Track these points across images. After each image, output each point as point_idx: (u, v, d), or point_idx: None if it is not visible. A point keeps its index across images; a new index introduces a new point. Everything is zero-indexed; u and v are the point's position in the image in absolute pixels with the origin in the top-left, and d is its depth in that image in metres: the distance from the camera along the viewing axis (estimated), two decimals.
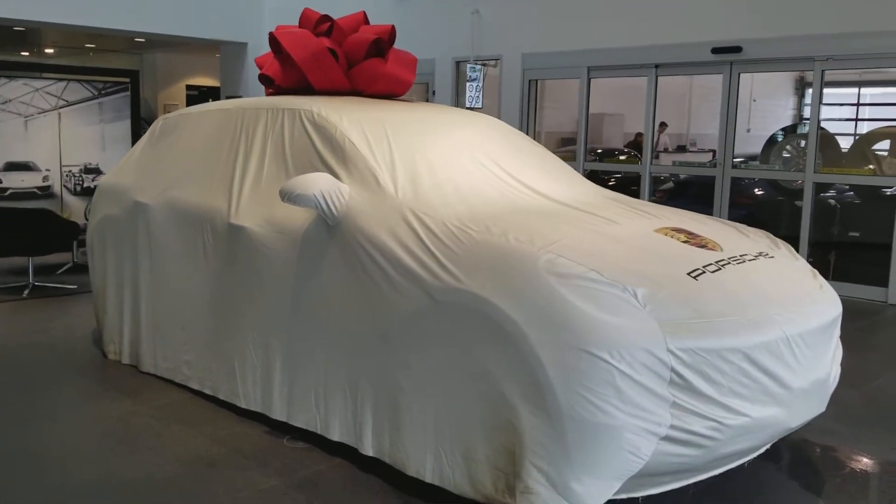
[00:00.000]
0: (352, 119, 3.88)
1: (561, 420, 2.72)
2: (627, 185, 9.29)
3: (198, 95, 14.79)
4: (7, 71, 8.27)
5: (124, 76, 8.75)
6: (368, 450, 3.36)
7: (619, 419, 2.69)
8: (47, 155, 8.26)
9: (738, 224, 3.94)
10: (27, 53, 14.31)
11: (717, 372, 2.79)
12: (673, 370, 2.72)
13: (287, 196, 3.49)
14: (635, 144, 13.22)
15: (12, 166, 8.11)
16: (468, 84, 10.07)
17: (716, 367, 2.79)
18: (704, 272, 3.07)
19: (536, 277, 2.86)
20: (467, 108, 10.23)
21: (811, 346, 3.07)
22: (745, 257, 3.32)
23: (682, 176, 9.93)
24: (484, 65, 9.97)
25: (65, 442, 3.72)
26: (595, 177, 10.25)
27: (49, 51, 13.71)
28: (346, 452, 3.50)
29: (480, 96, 10.13)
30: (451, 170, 3.72)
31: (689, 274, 3.03)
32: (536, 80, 9.74)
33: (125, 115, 8.70)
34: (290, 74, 4.38)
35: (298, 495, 3.20)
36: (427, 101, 10.53)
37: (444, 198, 3.48)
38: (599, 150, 12.90)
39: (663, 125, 14.04)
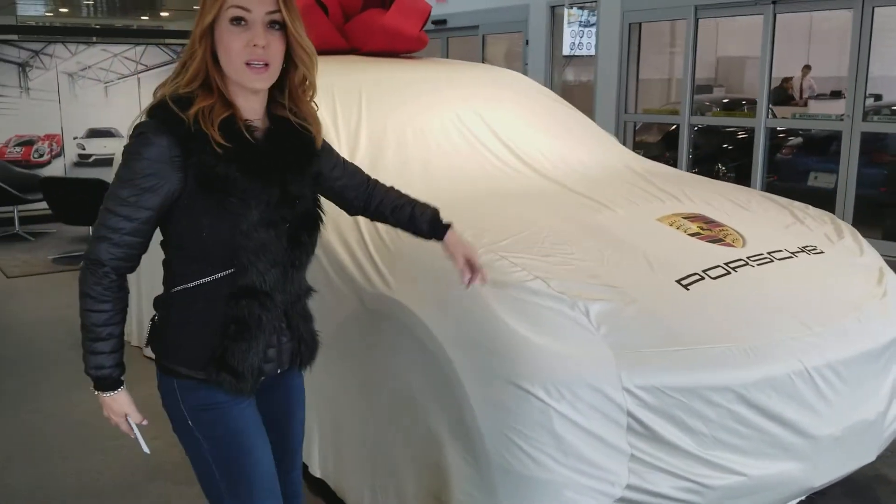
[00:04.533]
0: (323, 84, 3.34)
1: (489, 470, 2.14)
2: (745, 145, 8.20)
3: None
4: (75, 37, 8.29)
5: None
6: (316, 470, 2.90)
7: (557, 474, 2.07)
8: (128, 121, 8.26)
9: (797, 205, 3.11)
10: (146, 17, 14.67)
11: (696, 417, 2.10)
12: (630, 414, 2.07)
13: None
14: (781, 91, 11.80)
15: (95, 133, 8.18)
16: (568, 30, 9.22)
17: (694, 411, 2.10)
18: (703, 278, 2.35)
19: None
20: (565, 56, 9.40)
21: (850, 380, 2.30)
22: (774, 255, 2.55)
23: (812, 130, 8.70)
24: (581, 7, 9.08)
25: (14, 435, 3.51)
26: (706, 136, 9.17)
27: (165, 14, 13.98)
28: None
29: (593, 42, 9.17)
30: (427, 144, 3.12)
31: (679, 281, 2.32)
32: (639, 24, 8.75)
33: None
34: None
35: None
36: (522, 52, 9.77)
37: (405, 179, 2.89)
38: (725, 101, 11.64)
39: (807, 68, 12.51)
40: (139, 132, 1.60)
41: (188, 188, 1.60)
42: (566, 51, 9.29)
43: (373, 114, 3.20)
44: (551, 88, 9.40)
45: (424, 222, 1.99)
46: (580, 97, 9.67)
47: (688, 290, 2.30)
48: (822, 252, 2.67)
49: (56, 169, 7.99)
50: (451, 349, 2.21)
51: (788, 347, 2.21)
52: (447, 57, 10.60)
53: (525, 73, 9.54)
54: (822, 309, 2.37)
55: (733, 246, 2.56)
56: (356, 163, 2.95)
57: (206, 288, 1.66)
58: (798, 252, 2.61)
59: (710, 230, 2.64)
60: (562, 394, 2.05)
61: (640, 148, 9.84)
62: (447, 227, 2.00)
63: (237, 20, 1.59)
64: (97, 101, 8.07)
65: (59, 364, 4.41)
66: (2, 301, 5.65)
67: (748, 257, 2.49)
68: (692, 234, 2.59)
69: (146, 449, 1.80)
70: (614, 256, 2.40)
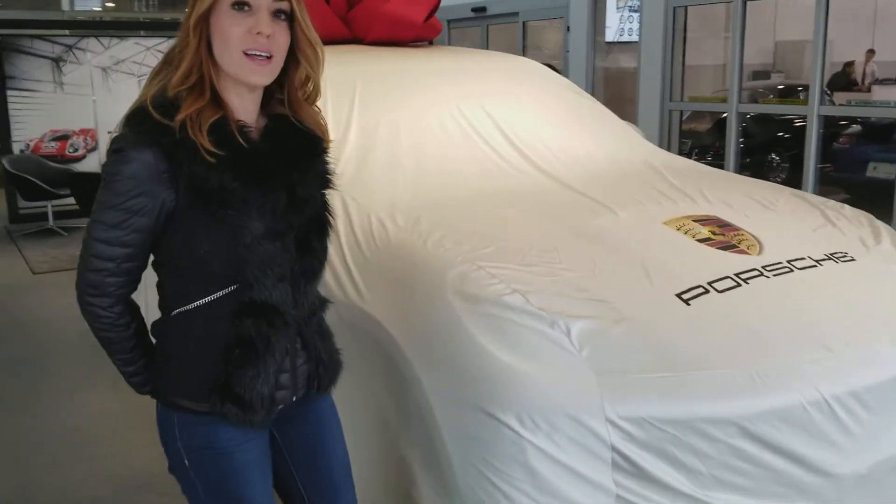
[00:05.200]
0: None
1: None
2: (802, 133, 7.75)
3: None
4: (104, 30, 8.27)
5: None
6: None
7: None
8: None
9: (831, 205, 2.79)
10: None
11: (692, 453, 1.84)
12: (615, 449, 1.82)
13: None
14: (843, 76, 11.19)
15: None
16: (616, 15, 8.87)
17: (688, 446, 1.83)
18: (708, 291, 2.07)
19: (439, 298, 2.04)
20: (608, 43, 9.05)
21: (878, 410, 2.00)
22: (795, 264, 2.25)
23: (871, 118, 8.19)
24: None
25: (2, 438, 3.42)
26: (761, 124, 8.73)
27: None
28: None
29: (636, 28, 8.82)
30: (422, 139, 2.89)
31: (679, 295, 2.05)
32: (685, 7, 8.34)
33: None
34: None
35: None
36: (563, 39, 9.45)
37: (391, 177, 2.68)
38: (781, 87, 11.11)
39: (870, 52, 11.87)
40: (115, 148, 1.42)
41: (180, 203, 1.42)
42: (610, 37, 8.94)
43: (366, 107, 2.98)
44: (593, 76, 9.07)
45: None
46: (624, 85, 9.31)
47: (689, 305, 2.03)
48: (853, 259, 2.36)
49: (91, 163, 8.00)
50: (421, 369, 1.99)
51: (804, 372, 1.92)
52: (487, 46, 10.33)
53: (566, 60, 9.23)
54: (848, 327, 2.07)
55: (748, 253, 2.27)
56: (345, 157, 2.76)
57: (206, 308, 1.48)
58: (824, 260, 2.31)
59: (722, 234, 2.36)
60: (537, 424, 1.82)
61: (689, 137, 9.43)
62: None
63: (239, 5, 1.42)
64: (131, 94, 8.04)
65: (64, 365, 4.34)
66: (22, 297, 5.64)
67: (763, 266, 2.21)
68: (702, 240, 2.31)
69: None
70: (608, 266, 2.14)
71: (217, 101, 1.46)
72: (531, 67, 3.68)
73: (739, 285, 2.11)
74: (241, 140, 1.44)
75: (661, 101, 8.57)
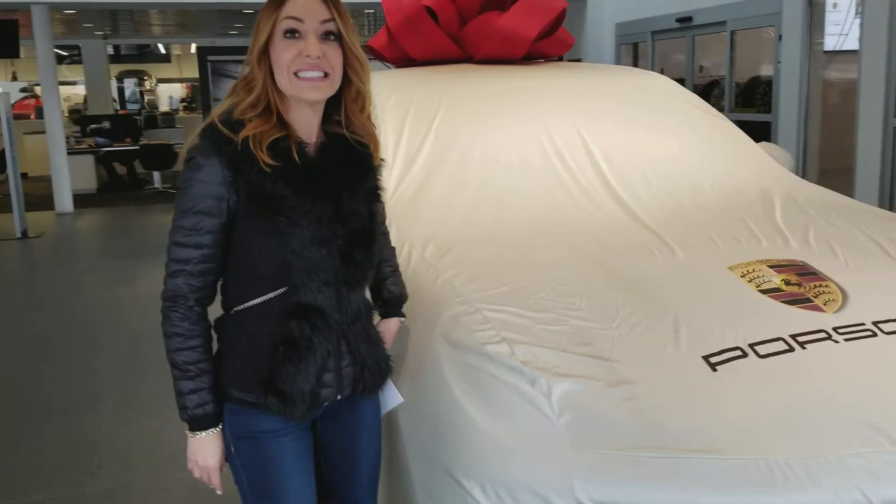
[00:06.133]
0: (404, 96, 3.06)
1: None
2: None
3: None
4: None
5: None
6: None
7: None
8: None
9: None
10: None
11: None
12: None
13: None
14: None
15: None
16: (834, 22, 7.98)
17: None
18: (745, 355, 1.71)
19: (428, 341, 1.86)
20: (826, 52, 8.13)
21: None
22: (884, 326, 1.80)
23: None
24: None
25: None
26: None
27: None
28: None
29: (858, 34, 7.90)
30: (494, 163, 2.69)
31: (706, 357, 1.71)
32: None
33: None
34: (395, 45, 3.67)
35: None
36: (774, 49, 8.64)
37: (445, 206, 2.51)
38: None
39: None
40: (189, 157, 1.59)
41: (241, 209, 1.57)
42: (830, 45, 8.03)
43: (445, 129, 2.84)
44: (808, 89, 8.20)
45: (391, 293, 1.91)
46: (847, 100, 8.33)
47: (715, 370, 1.68)
48: None
49: None
50: (405, 418, 1.83)
51: (847, 467, 1.51)
52: (693, 58, 9.73)
53: (777, 72, 8.43)
54: None
55: (822, 310, 1.85)
56: (406, 182, 2.66)
57: (257, 308, 1.61)
58: None
59: (798, 285, 1.95)
60: (500, 497, 1.59)
61: None
62: (396, 316, 1.91)
63: (291, 32, 1.57)
64: None
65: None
66: None
67: (835, 328, 1.78)
68: (767, 291, 1.92)
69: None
70: (633, 317, 1.84)
71: (281, 121, 1.60)
72: (655, 84, 3.34)
73: (792, 350, 1.72)
74: (296, 155, 1.58)
75: (885, 118, 7.57)
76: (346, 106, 1.67)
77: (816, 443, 1.55)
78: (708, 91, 9.96)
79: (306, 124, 1.63)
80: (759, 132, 9.07)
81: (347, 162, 1.66)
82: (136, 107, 20.25)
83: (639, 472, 1.53)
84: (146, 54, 21.23)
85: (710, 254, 2.13)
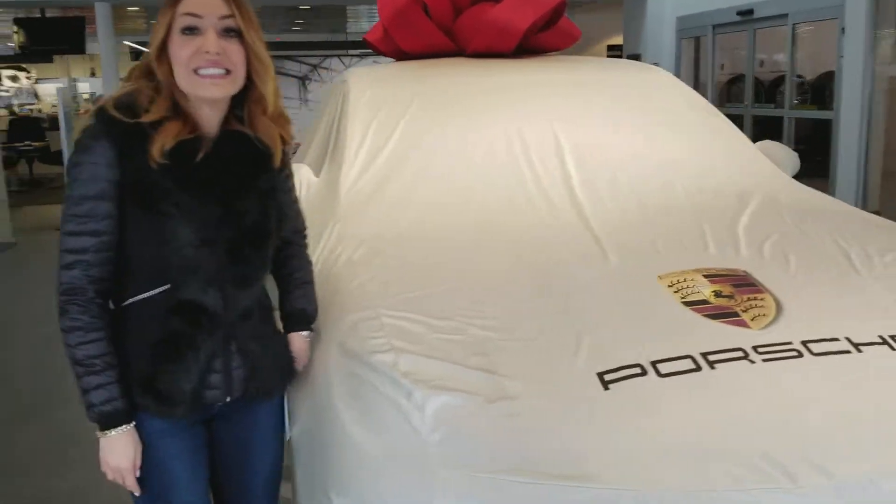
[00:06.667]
0: (378, 92, 2.98)
1: None
2: None
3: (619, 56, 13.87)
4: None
5: None
6: None
7: None
8: None
9: None
10: None
11: None
12: None
13: None
14: None
15: None
16: None
17: None
18: (644, 373, 1.57)
19: (327, 349, 1.79)
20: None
21: None
22: (814, 346, 1.63)
23: None
24: None
25: None
26: None
27: None
28: None
29: None
30: (456, 163, 2.58)
31: (601, 374, 1.58)
32: None
33: None
34: (389, 38, 3.58)
35: None
36: (837, 43, 8.20)
37: (402, 203, 2.42)
38: None
39: None
40: (77, 140, 1.54)
41: (126, 196, 1.52)
42: None
43: (413, 127, 2.75)
44: (871, 86, 7.76)
45: (294, 307, 1.82)
46: None
47: (607, 389, 1.55)
48: None
49: None
50: (296, 432, 1.76)
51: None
52: (753, 53, 9.34)
53: (840, 67, 8.00)
54: (849, 448, 1.44)
55: (747, 325, 1.69)
56: (364, 179, 2.58)
57: (140, 304, 1.56)
58: (875, 344, 1.64)
59: (729, 297, 1.78)
60: None
61: None
62: (299, 331, 1.80)
63: (189, 29, 1.52)
64: None
65: None
66: None
67: (756, 346, 1.62)
68: (691, 303, 1.77)
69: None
70: (538, 328, 1.72)
71: (187, 120, 1.55)
72: (651, 79, 3.17)
73: (698, 369, 1.57)
74: (185, 149, 1.53)
75: None
76: (249, 107, 1.62)
77: (703, 476, 1.41)
78: (773, 88, 9.54)
79: (205, 122, 1.58)
80: (820, 131, 8.63)
81: (240, 160, 1.61)
82: None
83: (503, 497, 1.42)
84: None
85: (646, 262, 1.98)
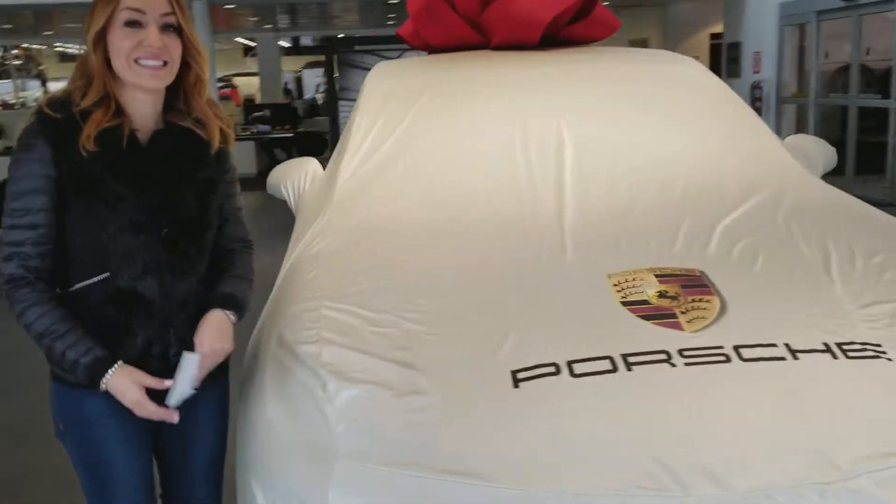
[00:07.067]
0: (393, 85, 3.01)
1: None
2: None
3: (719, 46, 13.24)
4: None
5: None
6: None
7: None
8: None
9: None
10: None
11: None
12: None
13: (269, 188, 3.00)
14: None
15: None
16: None
17: None
18: (558, 372, 1.54)
19: (268, 340, 1.84)
20: None
21: None
22: (745, 352, 1.55)
23: None
24: None
25: None
26: None
27: None
28: None
29: None
30: (458, 158, 2.58)
31: (515, 373, 1.56)
32: None
33: None
34: (418, 32, 3.60)
35: None
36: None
37: (394, 195, 2.44)
38: None
39: None
40: (18, 138, 1.63)
41: (65, 187, 1.58)
42: None
43: (418, 121, 2.76)
44: None
45: (221, 291, 1.73)
46: None
47: (517, 387, 1.53)
48: (880, 357, 1.55)
49: None
50: (238, 413, 1.82)
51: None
52: (859, 41, 8.81)
53: None
54: (753, 459, 1.37)
55: (680, 328, 1.63)
56: (361, 172, 2.62)
57: (84, 291, 1.62)
58: (816, 352, 1.55)
59: (673, 298, 1.72)
60: (275, 494, 1.55)
61: None
62: (223, 307, 1.70)
63: (131, 23, 1.59)
64: None
65: None
66: None
67: (682, 349, 1.56)
68: (630, 303, 1.71)
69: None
70: (467, 323, 1.71)
71: (117, 109, 1.62)
72: (678, 70, 3.06)
73: (614, 370, 1.53)
74: (122, 140, 1.59)
75: None
76: (185, 91, 1.69)
77: (594, 479, 1.37)
78: (886, 77, 8.94)
79: (142, 111, 1.64)
80: None
81: (179, 152, 1.67)
82: (318, 97, 21.25)
83: (394, 490, 1.44)
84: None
85: (601, 259, 1.93)
